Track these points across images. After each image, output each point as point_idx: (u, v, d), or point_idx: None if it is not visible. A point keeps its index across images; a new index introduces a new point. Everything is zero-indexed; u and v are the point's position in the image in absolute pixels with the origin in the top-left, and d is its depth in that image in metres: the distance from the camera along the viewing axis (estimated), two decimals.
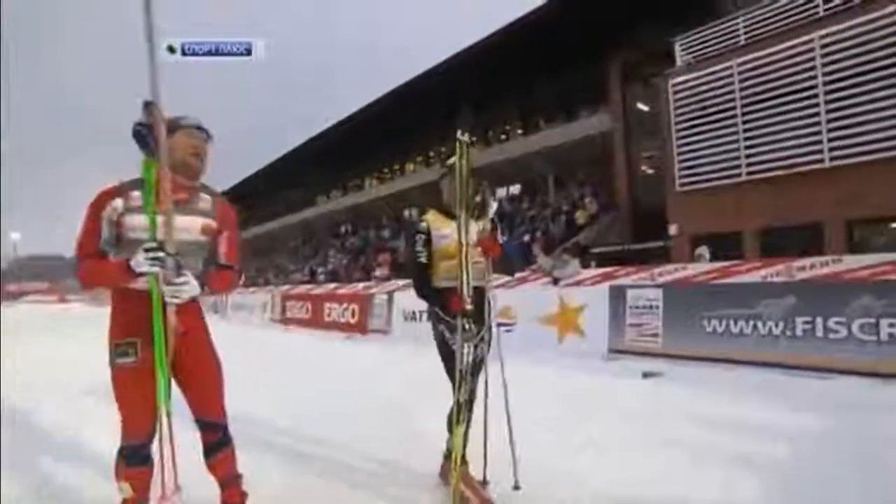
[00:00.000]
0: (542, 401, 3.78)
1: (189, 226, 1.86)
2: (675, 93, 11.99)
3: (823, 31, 9.80)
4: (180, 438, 1.90)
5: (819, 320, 4.72)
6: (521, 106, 19.89)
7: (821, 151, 9.82)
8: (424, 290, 2.36)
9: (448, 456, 2.31)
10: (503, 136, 20.72)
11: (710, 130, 11.37)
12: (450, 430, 2.27)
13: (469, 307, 2.17)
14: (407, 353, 6.58)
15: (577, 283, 8.06)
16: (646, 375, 4.99)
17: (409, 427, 3.25)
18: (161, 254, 1.70)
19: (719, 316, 5.34)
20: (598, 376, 4.95)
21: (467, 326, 2.16)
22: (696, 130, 11.64)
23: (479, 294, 2.33)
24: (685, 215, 11.92)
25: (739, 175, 10.96)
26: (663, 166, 12.77)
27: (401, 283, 10.58)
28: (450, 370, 2.26)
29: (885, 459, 2.61)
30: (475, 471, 2.32)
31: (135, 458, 1.83)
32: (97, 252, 1.79)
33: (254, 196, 33.87)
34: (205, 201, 1.94)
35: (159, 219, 1.75)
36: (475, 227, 2.32)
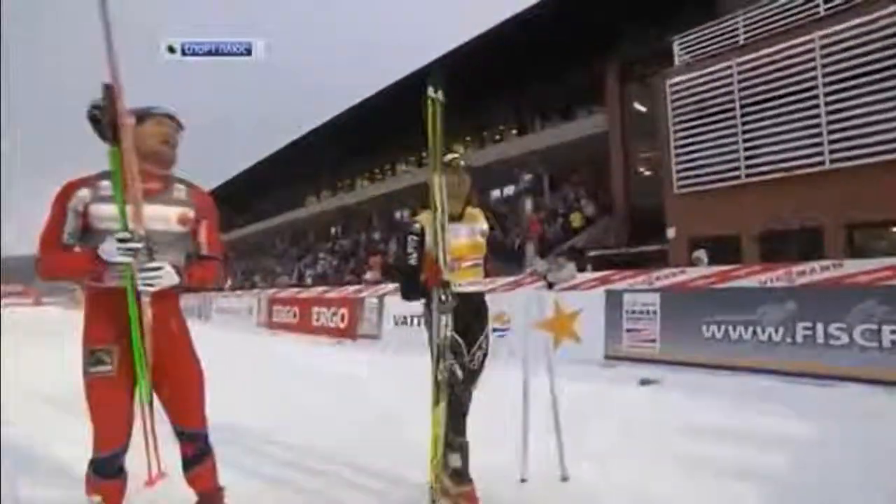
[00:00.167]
0: (537, 408, 3.66)
1: (165, 216, 1.76)
2: (674, 93, 11.88)
3: (823, 31, 9.71)
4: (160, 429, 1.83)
5: (820, 326, 4.62)
6: (516, 106, 19.75)
7: (821, 153, 9.72)
8: (411, 295, 2.25)
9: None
10: (497, 137, 20.60)
11: (709, 131, 11.27)
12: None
13: (446, 278, 2.08)
14: (398, 359, 6.46)
15: (573, 288, 7.91)
16: (643, 383, 4.87)
17: (400, 435, 3.17)
18: (134, 244, 1.58)
19: (718, 321, 5.23)
20: (595, 383, 4.84)
21: (443, 298, 2.06)
22: (694, 131, 11.53)
23: (475, 302, 2.27)
24: (683, 218, 11.81)
25: (738, 177, 10.85)
26: (661, 168, 12.67)
27: (392, 286, 10.43)
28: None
29: (888, 468, 2.55)
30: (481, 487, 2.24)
31: (107, 470, 1.72)
32: (60, 244, 1.69)
33: (240, 196, 33.41)
34: (179, 191, 1.85)
35: (129, 208, 1.63)
36: (467, 229, 2.30)
